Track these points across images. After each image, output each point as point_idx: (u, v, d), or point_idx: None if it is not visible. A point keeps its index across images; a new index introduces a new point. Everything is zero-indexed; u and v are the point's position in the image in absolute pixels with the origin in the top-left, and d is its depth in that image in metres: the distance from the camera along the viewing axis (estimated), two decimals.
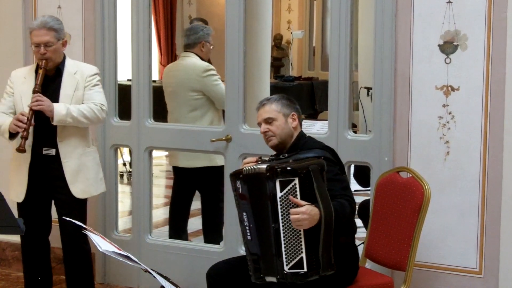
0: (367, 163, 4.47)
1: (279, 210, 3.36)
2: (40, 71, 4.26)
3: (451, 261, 4.24)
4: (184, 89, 5.41)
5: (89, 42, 5.12)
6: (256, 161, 3.65)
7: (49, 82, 4.34)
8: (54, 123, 4.26)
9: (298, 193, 3.35)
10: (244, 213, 3.54)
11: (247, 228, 3.54)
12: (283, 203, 3.36)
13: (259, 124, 3.84)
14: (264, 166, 3.43)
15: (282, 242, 3.37)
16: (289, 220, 3.35)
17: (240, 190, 3.54)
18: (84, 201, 4.48)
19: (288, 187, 3.35)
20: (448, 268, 4.25)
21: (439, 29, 4.15)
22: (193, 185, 5.64)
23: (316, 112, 10.56)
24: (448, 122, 4.18)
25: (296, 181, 3.34)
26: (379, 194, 4.06)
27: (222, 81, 5.28)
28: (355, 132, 5.14)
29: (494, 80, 4.06)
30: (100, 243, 3.03)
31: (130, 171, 8.08)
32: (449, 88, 4.16)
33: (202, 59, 5.48)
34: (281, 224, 3.37)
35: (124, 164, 8.73)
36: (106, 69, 5.08)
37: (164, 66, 12.26)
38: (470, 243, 4.18)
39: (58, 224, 4.50)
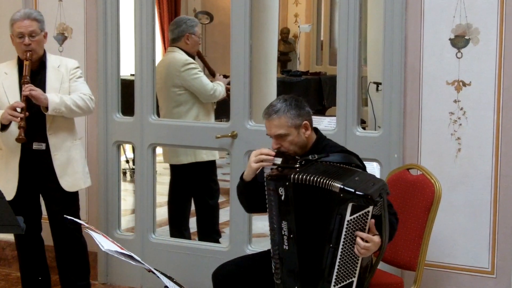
0: (377, 160, 4.41)
1: (343, 233, 3.21)
2: (26, 63, 4.26)
3: (463, 261, 4.20)
4: (167, 85, 5.38)
5: (91, 37, 5.08)
6: (276, 156, 3.47)
7: (34, 76, 4.32)
8: (49, 113, 4.23)
9: (368, 220, 3.20)
10: (284, 222, 3.34)
11: (284, 237, 3.35)
12: (349, 226, 3.20)
13: (269, 135, 3.59)
14: (338, 185, 3.18)
15: (336, 263, 3.24)
16: (351, 244, 3.21)
17: (283, 197, 3.32)
18: (75, 195, 4.46)
19: (360, 213, 3.18)
20: (460, 268, 4.21)
21: (450, 22, 4.10)
22: (187, 181, 5.58)
23: (324, 107, 10.56)
24: (459, 118, 4.13)
25: (370, 209, 3.18)
26: None
27: (219, 77, 5.18)
28: (364, 128, 5.10)
29: (507, 75, 4.01)
30: (103, 242, 3.02)
31: (133, 169, 8.05)
32: (461, 83, 4.11)
33: (187, 52, 5.40)
34: (340, 246, 3.22)
35: (127, 161, 8.69)
36: (108, 64, 5.04)
37: None
38: (482, 242, 4.14)
39: (47, 221, 4.48)
